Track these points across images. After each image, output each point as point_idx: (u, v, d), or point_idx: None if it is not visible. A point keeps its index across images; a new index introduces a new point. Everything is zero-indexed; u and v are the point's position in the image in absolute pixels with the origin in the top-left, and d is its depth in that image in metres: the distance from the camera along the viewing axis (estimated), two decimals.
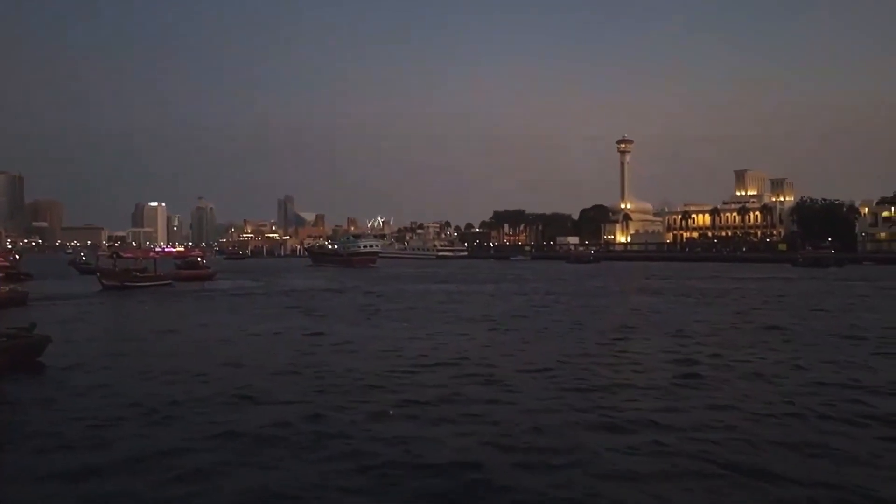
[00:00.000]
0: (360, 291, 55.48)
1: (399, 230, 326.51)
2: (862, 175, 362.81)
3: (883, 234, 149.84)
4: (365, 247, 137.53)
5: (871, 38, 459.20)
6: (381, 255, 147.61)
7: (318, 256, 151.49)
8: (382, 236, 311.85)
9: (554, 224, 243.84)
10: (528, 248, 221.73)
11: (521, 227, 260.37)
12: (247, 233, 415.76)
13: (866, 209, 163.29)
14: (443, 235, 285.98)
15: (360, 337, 25.63)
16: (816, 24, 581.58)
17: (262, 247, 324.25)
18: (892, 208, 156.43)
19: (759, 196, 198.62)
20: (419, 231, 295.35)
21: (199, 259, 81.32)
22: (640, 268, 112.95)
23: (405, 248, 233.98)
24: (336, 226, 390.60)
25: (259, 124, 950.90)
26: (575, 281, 70.77)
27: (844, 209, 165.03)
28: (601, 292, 53.29)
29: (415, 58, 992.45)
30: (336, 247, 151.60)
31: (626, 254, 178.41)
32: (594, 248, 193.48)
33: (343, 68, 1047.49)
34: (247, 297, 48.52)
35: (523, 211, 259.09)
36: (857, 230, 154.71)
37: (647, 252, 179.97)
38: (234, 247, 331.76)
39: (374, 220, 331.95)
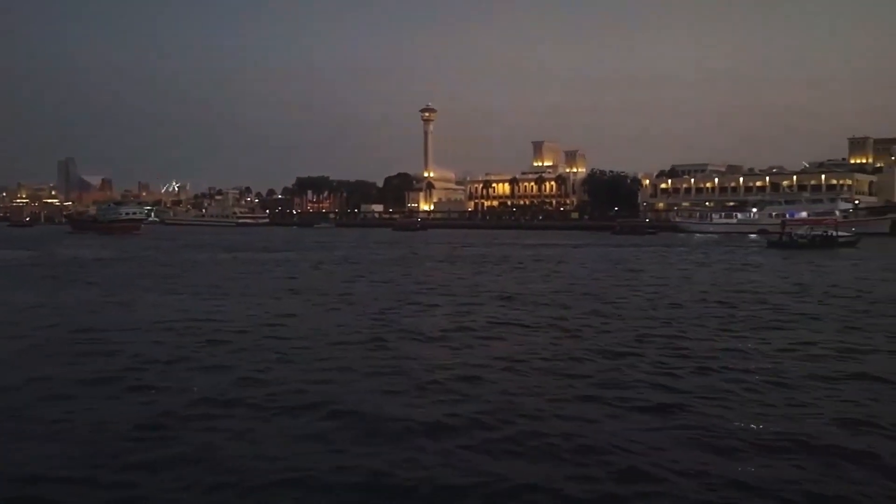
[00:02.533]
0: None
1: (196, 196, 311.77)
2: (646, 148, 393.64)
3: (661, 204, 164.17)
4: (127, 214, 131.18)
5: (659, 16, 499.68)
6: (179, 222, 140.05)
7: (77, 224, 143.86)
8: (178, 202, 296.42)
9: (359, 191, 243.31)
10: (332, 215, 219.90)
11: (326, 194, 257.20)
12: (21, 197, 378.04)
13: (647, 181, 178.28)
14: (243, 202, 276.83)
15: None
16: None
17: (40, 213, 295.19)
18: (669, 181, 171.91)
19: (554, 167, 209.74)
20: (218, 197, 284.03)
21: None
22: (464, 235, 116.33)
23: (202, 215, 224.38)
24: (126, 191, 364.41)
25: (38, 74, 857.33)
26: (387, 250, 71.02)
27: (629, 181, 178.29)
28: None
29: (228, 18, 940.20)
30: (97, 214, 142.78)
31: (453, 221, 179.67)
32: (398, 216, 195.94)
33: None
34: None
35: (328, 178, 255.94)
36: (639, 200, 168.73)
37: (463, 221, 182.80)
38: (6, 213, 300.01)
39: (169, 185, 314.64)
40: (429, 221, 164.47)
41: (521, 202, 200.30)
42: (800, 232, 69.68)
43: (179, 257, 56.50)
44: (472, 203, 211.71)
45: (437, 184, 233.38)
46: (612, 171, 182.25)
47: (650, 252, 63.18)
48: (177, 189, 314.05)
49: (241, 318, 21.84)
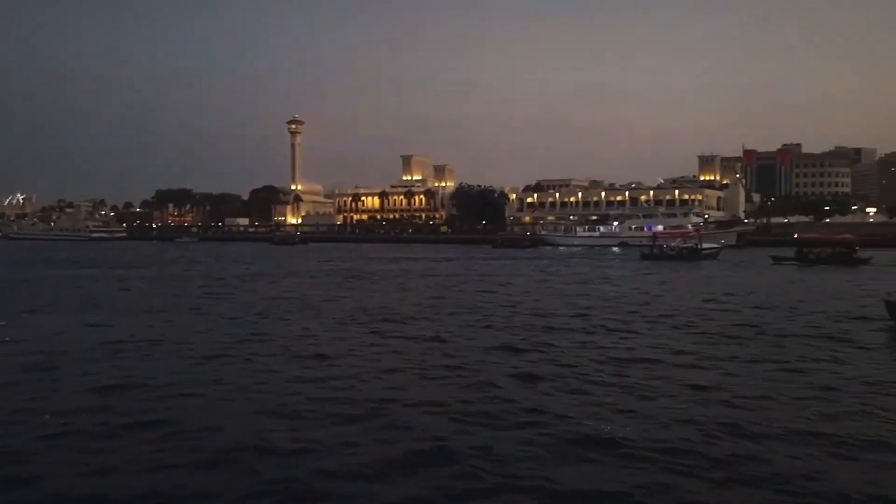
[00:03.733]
0: None
1: (43, 209, 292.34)
2: (513, 163, 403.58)
3: (527, 218, 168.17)
4: None
5: (531, 32, 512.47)
6: (25, 237, 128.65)
7: None
8: (24, 215, 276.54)
9: (223, 204, 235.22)
10: (195, 229, 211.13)
11: (188, 207, 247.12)
12: None
13: (514, 195, 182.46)
14: (97, 215, 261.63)
15: None
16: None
17: None
18: (535, 195, 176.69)
19: (423, 180, 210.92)
20: (69, 210, 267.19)
21: None
22: (351, 249, 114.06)
23: (51, 229, 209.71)
24: None
25: None
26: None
27: (496, 195, 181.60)
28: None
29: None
30: None
31: (336, 235, 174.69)
32: (264, 229, 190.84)
33: None
34: None
35: (190, 190, 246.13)
36: (506, 214, 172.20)
37: (346, 235, 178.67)
38: None
39: (13, 198, 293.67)
40: (309, 235, 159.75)
41: (391, 216, 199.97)
42: (672, 244, 75.75)
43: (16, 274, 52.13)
44: (342, 216, 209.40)
45: (305, 197, 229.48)
46: (479, 186, 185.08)
47: (526, 264, 64.56)
48: (21, 201, 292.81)
49: None
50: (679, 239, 78.63)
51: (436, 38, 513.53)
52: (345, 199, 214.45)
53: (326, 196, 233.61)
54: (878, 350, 18.86)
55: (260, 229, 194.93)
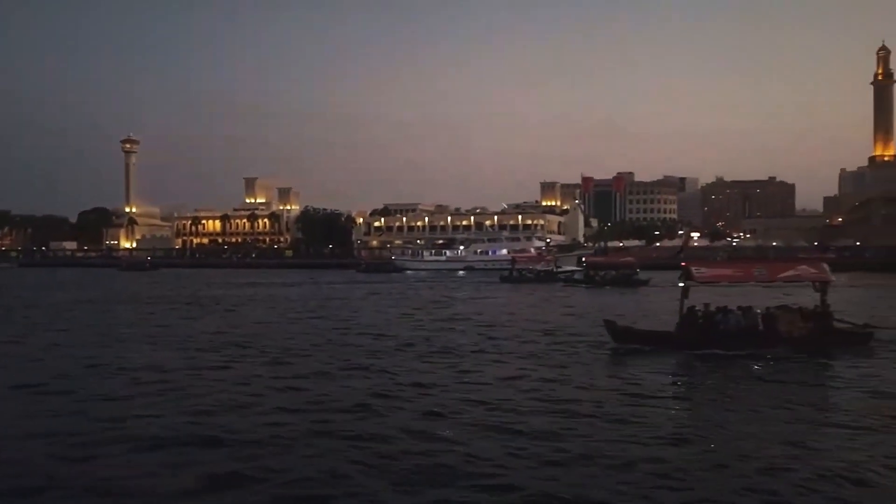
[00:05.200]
0: None
1: None
2: (358, 186, 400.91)
3: (375, 242, 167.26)
4: None
5: (382, 54, 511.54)
6: None
7: None
8: None
9: (48, 227, 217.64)
10: (13, 253, 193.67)
11: (6, 230, 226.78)
12: None
13: (361, 219, 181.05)
14: None
15: None
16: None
17: None
18: (382, 219, 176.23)
19: (267, 203, 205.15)
20: None
21: None
22: (208, 275, 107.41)
23: None
24: None
25: None
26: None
27: (343, 218, 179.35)
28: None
29: None
30: None
31: (189, 261, 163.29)
32: (95, 253, 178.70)
33: None
34: None
35: (8, 212, 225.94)
36: (353, 237, 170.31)
37: (197, 260, 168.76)
38: None
39: None
40: (160, 260, 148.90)
41: (234, 240, 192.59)
42: (531, 267, 79.05)
43: None
44: (181, 240, 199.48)
45: (140, 219, 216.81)
46: (326, 209, 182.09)
47: (377, 287, 62.98)
48: None
49: None
50: (543, 263, 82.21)
51: (283, 60, 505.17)
52: (184, 222, 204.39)
53: (164, 219, 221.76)
54: (571, 367, 19.72)
55: (90, 254, 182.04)
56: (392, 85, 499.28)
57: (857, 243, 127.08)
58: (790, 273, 23.19)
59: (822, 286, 22.31)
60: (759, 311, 22.34)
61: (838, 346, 21.46)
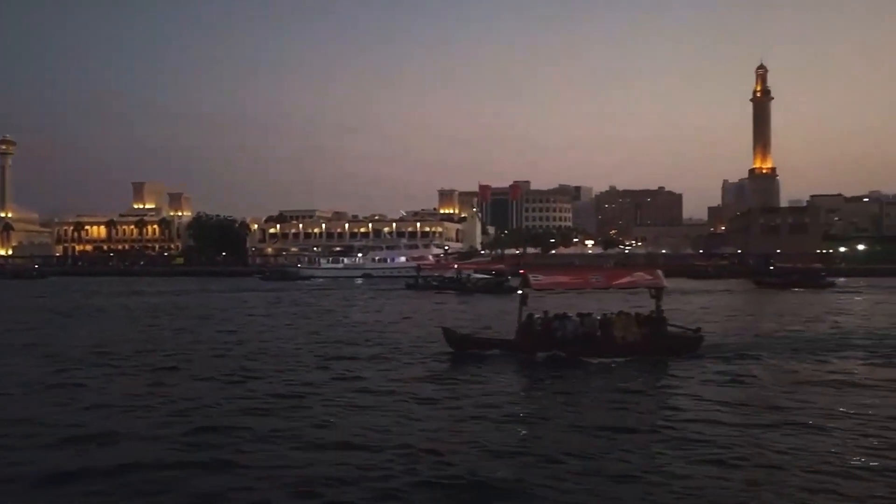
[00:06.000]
0: None
1: None
2: (254, 192, 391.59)
3: (270, 249, 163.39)
4: None
5: (274, 59, 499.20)
6: None
7: None
8: None
9: None
10: None
11: None
12: None
13: (256, 226, 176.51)
14: None
15: None
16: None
17: None
18: (278, 226, 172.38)
19: (157, 209, 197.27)
20: None
21: None
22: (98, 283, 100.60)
23: None
24: None
25: None
26: None
27: (237, 225, 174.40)
28: None
29: None
30: None
31: (79, 269, 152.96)
32: None
33: None
34: None
35: None
36: (248, 245, 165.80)
37: (88, 267, 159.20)
38: None
39: None
40: (47, 269, 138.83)
41: (120, 246, 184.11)
42: (436, 275, 77.84)
43: None
44: (62, 247, 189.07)
45: (17, 225, 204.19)
46: (219, 216, 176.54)
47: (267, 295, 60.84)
48: None
49: None
50: (452, 270, 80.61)
51: (175, 61, 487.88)
52: (66, 228, 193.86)
53: (44, 224, 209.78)
54: (398, 369, 20.54)
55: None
56: (288, 89, 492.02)
57: (739, 251, 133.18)
58: (626, 280, 23.83)
59: (658, 292, 22.94)
60: (598, 317, 22.90)
61: (671, 350, 22.15)
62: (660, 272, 24.16)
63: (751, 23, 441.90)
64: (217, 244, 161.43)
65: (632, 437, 12.83)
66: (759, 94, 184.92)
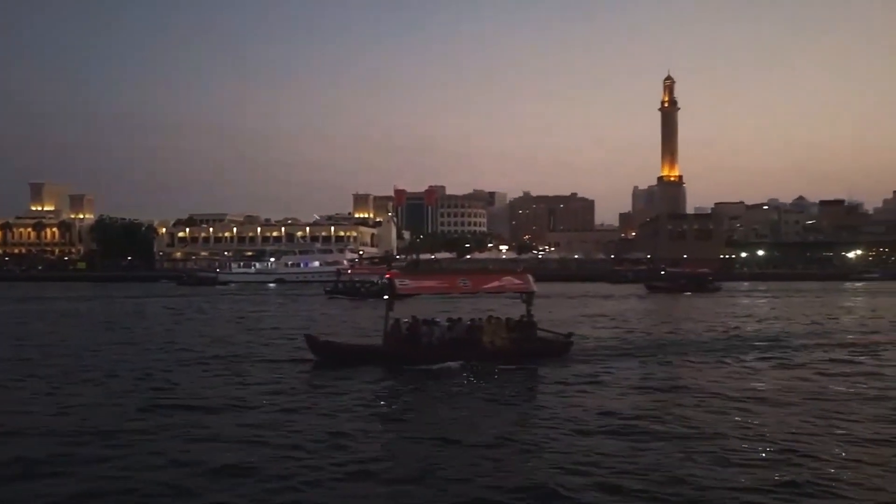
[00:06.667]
0: None
1: None
2: (161, 195, 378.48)
3: (179, 253, 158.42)
4: None
5: (173, 61, 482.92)
6: None
7: None
8: None
9: None
10: None
11: None
12: None
13: (164, 229, 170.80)
14: None
15: None
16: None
17: None
18: (187, 229, 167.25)
19: (57, 212, 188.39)
20: None
21: None
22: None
23: None
24: None
25: None
26: None
27: (144, 228, 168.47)
28: None
29: None
30: None
31: None
32: None
33: None
34: None
35: None
36: (155, 249, 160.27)
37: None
38: None
39: None
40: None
41: (17, 251, 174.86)
42: (356, 279, 75.18)
43: None
44: None
45: None
46: (124, 219, 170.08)
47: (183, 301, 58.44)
48: None
49: None
50: (378, 276, 78.88)
51: (77, 57, 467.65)
52: None
53: None
54: (245, 377, 19.69)
55: None
56: (200, 90, 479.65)
57: (648, 255, 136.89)
58: (494, 284, 23.67)
59: (528, 297, 22.91)
60: (468, 322, 22.64)
61: (541, 355, 22.07)
62: (530, 277, 23.83)
63: (660, 34, 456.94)
64: (123, 248, 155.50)
65: (468, 450, 12.20)
66: (666, 105, 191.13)
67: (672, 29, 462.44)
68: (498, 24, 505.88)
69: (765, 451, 11.88)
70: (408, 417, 15.26)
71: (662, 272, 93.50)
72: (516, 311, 24.09)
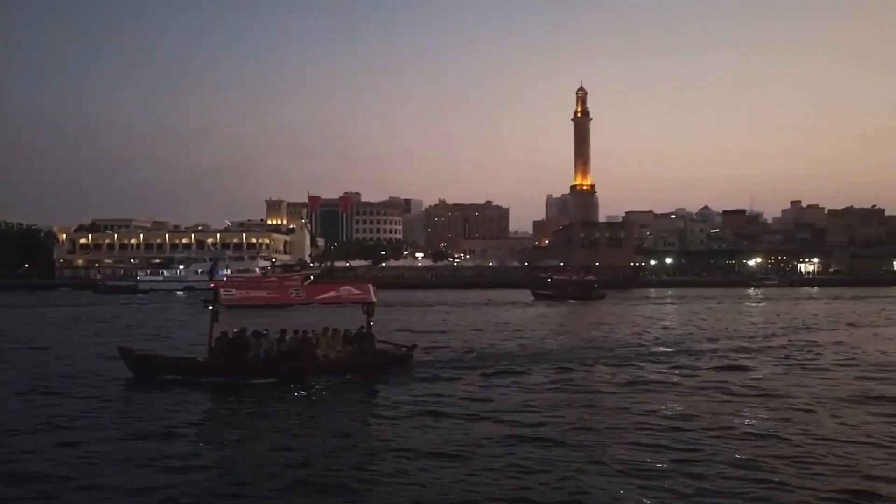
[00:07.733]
0: None
1: None
2: (61, 199, 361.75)
3: (80, 261, 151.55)
4: None
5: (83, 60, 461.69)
6: None
7: None
8: None
9: None
10: None
11: None
12: None
13: (64, 235, 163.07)
14: None
15: None
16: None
17: None
18: (90, 235, 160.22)
19: None
20: None
21: None
22: None
23: None
24: None
25: None
26: None
27: (43, 234, 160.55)
28: None
29: None
30: None
31: None
32: None
33: None
34: None
35: None
36: (55, 256, 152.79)
37: None
38: None
39: None
40: None
41: None
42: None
43: None
44: None
45: None
46: (20, 224, 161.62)
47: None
48: None
49: None
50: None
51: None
52: None
53: None
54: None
55: None
56: (104, 89, 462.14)
57: (561, 263, 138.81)
58: (330, 294, 22.75)
59: (368, 308, 22.26)
60: (301, 334, 21.75)
61: (380, 367, 21.52)
62: (370, 286, 22.94)
63: (573, 45, 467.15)
64: (18, 256, 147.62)
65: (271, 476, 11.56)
66: (579, 115, 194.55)
67: (585, 40, 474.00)
68: (414, 31, 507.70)
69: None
70: (208, 440, 14.21)
71: (549, 279, 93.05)
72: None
